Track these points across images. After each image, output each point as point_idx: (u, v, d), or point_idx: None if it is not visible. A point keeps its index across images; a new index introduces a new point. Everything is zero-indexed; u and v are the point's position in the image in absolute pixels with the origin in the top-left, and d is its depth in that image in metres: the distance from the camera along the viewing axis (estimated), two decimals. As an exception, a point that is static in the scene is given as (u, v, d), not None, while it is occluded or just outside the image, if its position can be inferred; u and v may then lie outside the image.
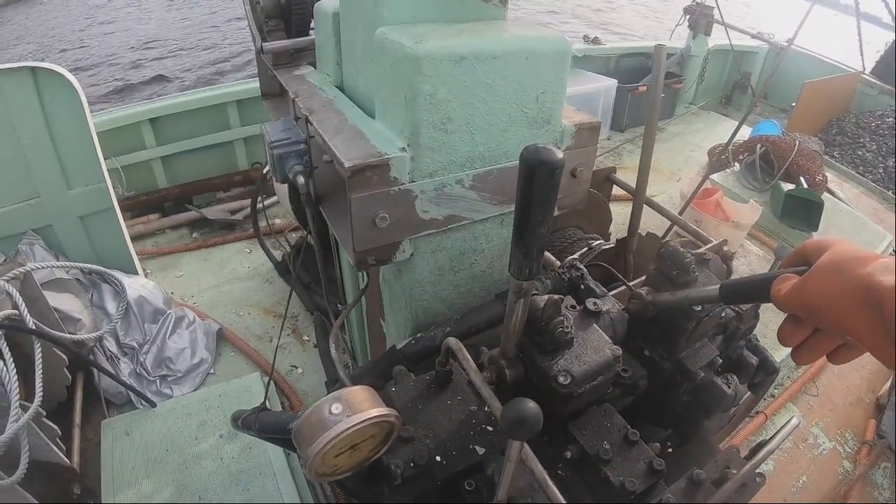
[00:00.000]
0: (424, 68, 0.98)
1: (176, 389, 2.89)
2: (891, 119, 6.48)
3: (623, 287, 1.39)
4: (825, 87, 6.28)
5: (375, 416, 0.73)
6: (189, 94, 4.40)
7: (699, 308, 1.05)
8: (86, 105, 2.90)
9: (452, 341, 0.89)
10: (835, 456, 2.94)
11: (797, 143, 4.59)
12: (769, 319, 3.24)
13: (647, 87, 6.01)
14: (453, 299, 1.34)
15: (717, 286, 0.90)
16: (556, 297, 0.85)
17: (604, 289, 1.37)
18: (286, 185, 1.43)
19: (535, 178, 0.64)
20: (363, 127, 1.18)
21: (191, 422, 2.60)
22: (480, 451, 0.87)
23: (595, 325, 0.97)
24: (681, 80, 6.47)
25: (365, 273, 1.62)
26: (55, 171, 2.97)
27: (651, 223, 3.23)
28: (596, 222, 2.45)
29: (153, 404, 2.70)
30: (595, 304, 0.99)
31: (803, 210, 4.26)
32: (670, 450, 1.24)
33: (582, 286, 1.28)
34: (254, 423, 1.29)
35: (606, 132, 5.96)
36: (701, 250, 1.18)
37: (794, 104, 6.10)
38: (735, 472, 0.97)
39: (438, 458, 0.85)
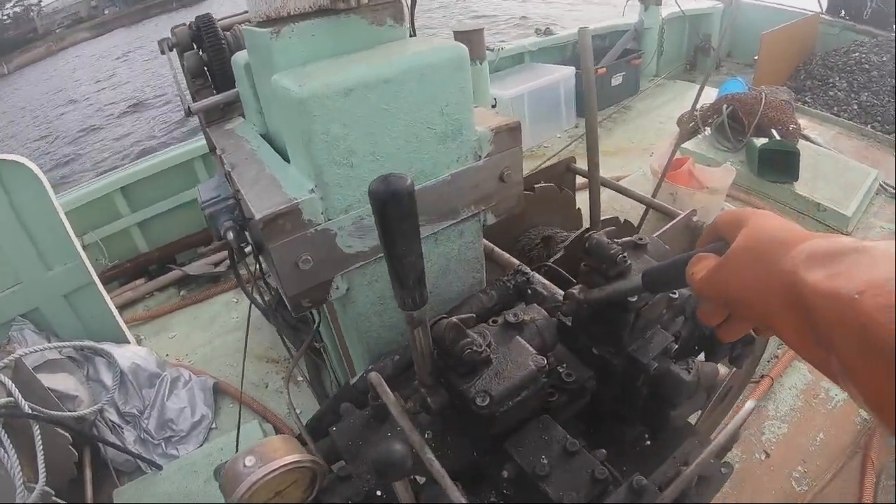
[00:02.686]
0: (311, 108, 0.98)
1: (181, 449, 2.91)
2: (857, 54, 6.44)
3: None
4: (785, 34, 6.25)
5: (285, 465, 0.74)
6: (154, 157, 4.44)
7: (634, 298, 1.03)
8: (49, 188, 2.94)
9: (373, 376, 0.89)
10: (849, 406, 2.87)
11: (763, 95, 4.56)
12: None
13: (605, 69, 6.00)
14: (403, 325, 1.32)
15: (641, 277, 0.88)
16: (455, 319, 0.84)
17: (555, 289, 1.36)
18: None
19: (388, 209, 0.64)
20: (279, 174, 1.18)
21: (198, 479, 2.60)
22: (421, 480, 0.86)
23: (518, 337, 0.95)
24: (640, 55, 6.45)
25: (319, 311, 1.62)
26: (32, 256, 3.01)
27: (626, 204, 3.22)
28: (563, 216, 2.44)
29: (160, 467, 2.71)
30: (515, 315, 0.98)
31: (781, 162, 4.22)
32: (648, 442, 1.22)
33: (529, 290, 1.27)
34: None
35: (574, 120, 5.94)
36: (634, 237, 1.16)
37: (756, 58, 6.07)
38: (684, 469, 0.94)
39: (379, 493, 0.84)
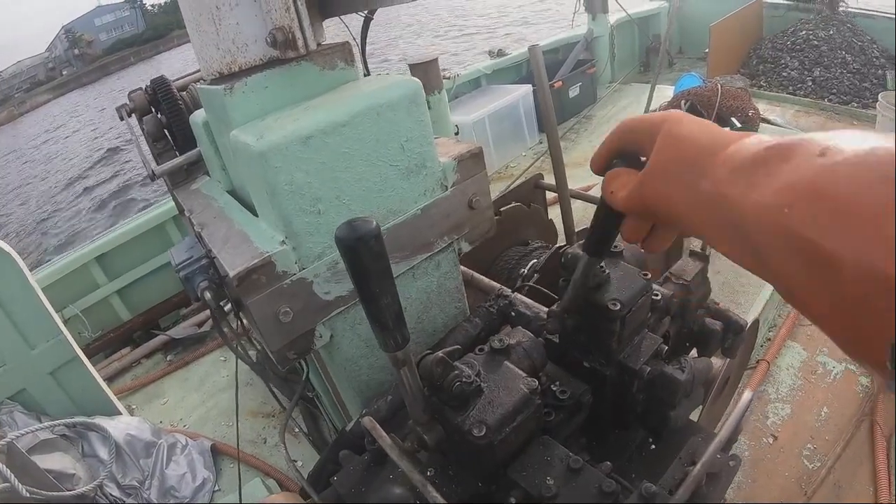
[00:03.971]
0: (272, 160, 0.98)
1: (188, 516, 2.83)
2: (804, 32, 6.62)
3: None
4: (732, 23, 6.40)
5: None
6: (126, 224, 4.40)
7: (617, 307, 1.03)
8: (23, 266, 2.90)
9: (367, 421, 0.88)
10: (849, 376, 2.89)
11: (719, 86, 4.66)
12: (740, 267, 3.24)
13: (561, 82, 6.09)
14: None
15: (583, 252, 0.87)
16: (441, 354, 0.83)
17: (539, 308, 1.36)
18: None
19: (358, 254, 0.63)
20: (249, 229, 1.17)
21: (207, 547, 2.53)
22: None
23: (506, 362, 0.94)
24: (593, 64, 6.56)
25: (305, 362, 1.60)
26: (13, 337, 2.95)
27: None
28: (536, 232, 2.46)
29: (167, 539, 2.64)
30: (501, 340, 0.98)
31: (745, 149, 4.28)
32: (653, 446, 1.22)
33: (512, 313, 1.27)
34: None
35: (537, 136, 6.01)
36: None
37: (706, 50, 6.21)
38: (692, 469, 0.93)
39: (387, 541, 0.82)
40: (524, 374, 0.91)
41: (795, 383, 2.93)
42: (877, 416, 2.62)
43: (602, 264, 1.08)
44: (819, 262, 0.38)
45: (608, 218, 0.75)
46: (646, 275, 1.13)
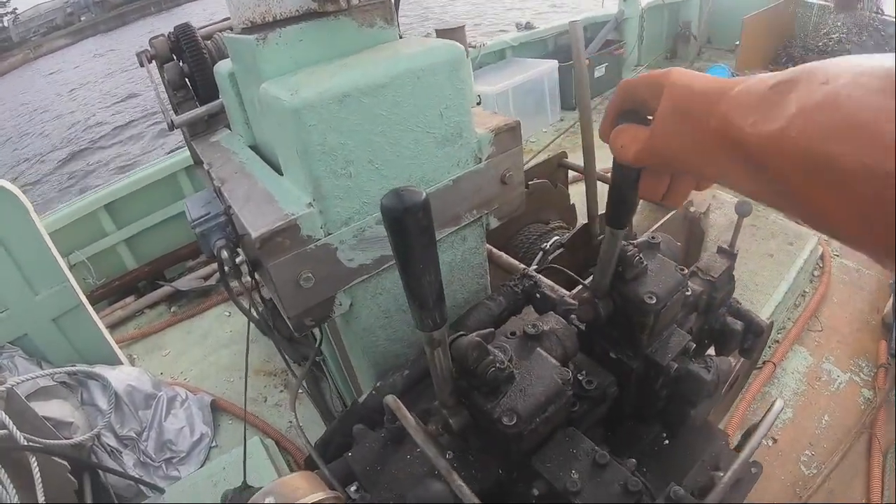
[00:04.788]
0: (306, 118, 0.93)
1: (183, 469, 2.85)
2: (836, 34, 6.48)
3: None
4: (765, 18, 6.27)
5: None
6: (137, 173, 4.36)
7: (653, 301, 0.99)
8: (31, 210, 2.87)
9: (390, 400, 0.84)
10: (852, 387, 2.88)
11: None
12: (754, 266, 3.18)
13: (589, 60, 5.98)
14: (410, 337, 1.29)
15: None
16: (477, 338, 0.79)
17: (563, 291, 1.32)
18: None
19: (404, 226, 0.59)
20: (273, 188, 1.13)
21: (201, 500, 2.54)
22: None
23: (539, 349, 0.90)
24: (621, 46, 6.46)
25: (319, 328, 1.57)
26: (17, 281, 2.94)
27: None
28: (558, 211, 2.41)
29: (161, 491, 2.65)
30: (535, 326, 0.93)
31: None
32: (667, 442, 1.19)
33: (537, 294, 1.23)
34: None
35: (558, 114, 5.92)
36: (647, 236, 1.12)
37: (738, 43, 6.08)
38: (721, 473, 0.90)
39: (401, 523, 0.79)
40: (557, 364, 0.87)
41: (799, 388, 2.91)
42: (876, 430, 2.61)
43: (640, 255, 1.04)
44: (833, 171, 0.41)
45: (624, 182, 0.74)
46: (682, 270, 1.09)
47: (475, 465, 0.88)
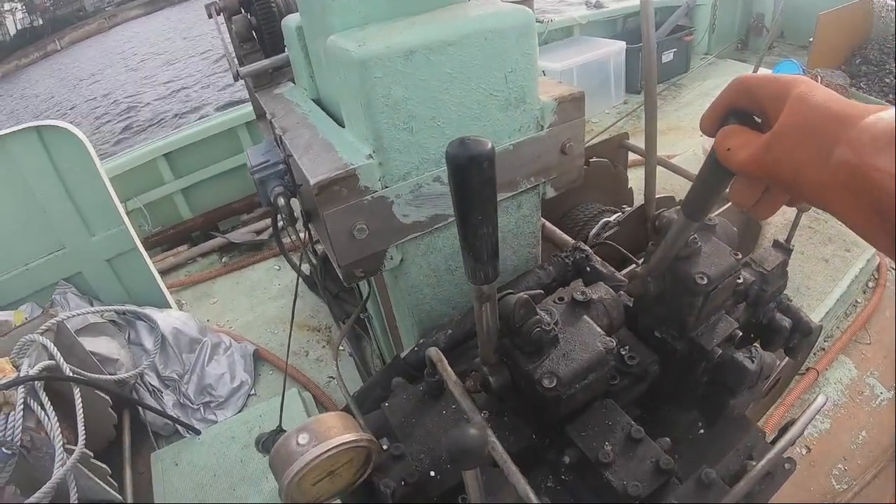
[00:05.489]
0: (373, 70, 0.93)
1: (220, 414, 2.95)
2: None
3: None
4: (841, 16, 5.96)
5: (341, 444, 0.71)
6: (198, 125, 4.46)
7: (704, 281, 0.97)
8: (93, 154, 2.98)
9: (433, 352, 0.86)
10: (893, 406, 2.78)
11: (819, 79, 4.37)
12: (808, 270, 3.07)
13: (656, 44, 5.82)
14: (456, 298, 1.30)
15: (680, 211, 0.81)
16: (526, 295, 0.79)
17: (612, 269, 1.31)
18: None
19: (466, 175, 0.59)
20: (333, 139, 1.14)
21: (235, 445, 2.64)
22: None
23: (585, 316, 0.90)
24: (691, 32, 6.25)
25: (368, 282, 1.59)
26: (76, 221, 3.07)
27: (677, 184, 3.12)
28: (613, 193, 2.37)
29: (198, 432, 2.75)
30: (583, 293, 0.93)
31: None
32: (702, 431, 1.17)
33: (588, 268, 1.22)
34: (270, 447, 1.28)
35: (623, 96, 5.79)
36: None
37: (811, 39, 5.81)
38: (755, 463, 0.88)
39: (433, 474, 0.81)
40: (602, 332, 0.86)
41: (840, 400, 2.83)
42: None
43: (695, 235, 1.02)
44: None
45: (715, 178, 0.71)
46: (737, 255, 1.06)
47: (509, 427, 0.89)
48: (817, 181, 0.53)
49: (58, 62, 26.75)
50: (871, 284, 3.41)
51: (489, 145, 0.60)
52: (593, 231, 1.79)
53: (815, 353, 3.02)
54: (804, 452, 2.60)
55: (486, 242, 0.65)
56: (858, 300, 3.32)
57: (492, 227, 0.64)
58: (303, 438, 0.71)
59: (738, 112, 0.65)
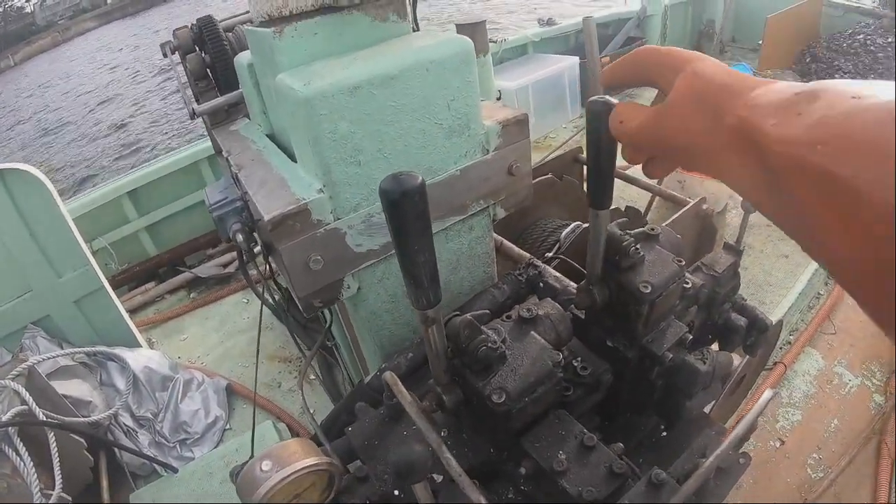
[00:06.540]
0: (318, 108, 0.97)
1: (196, 451, 2.93)
2: (861, 35, 6.38)
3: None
4: (790, 17, 6.18)
5: (303, 468, 0.74)
6: (160, 161, 4.46)
7: (648, 290, 1.01)
8: (56, 195, 2.96)
9: (388, 376, 0.88)
10: (864, 392, 2.86)
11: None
12: (769, 267, 3.15)
13: (609, 57, 5.96)
14: (415, 322, 1.33)
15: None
16: (469, 317, 0.83)
17: (568, 282, 1.35)
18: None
19: (401, 208, 0.63)
20: (286, 174, 1.18)
21: (213, 481, 2.61)
22: (438, 478, 0.86)
23: (532, 332, 0.94)
24: (644, 43, 6.41)
25: (330, 311, 1.62)
26: (41, 264, 3.03)
27: (635, 193, 3.20)
28: (571, 207, 2.43)
29: (175, 470, 2.72)
30: (529, 310, 0.97)
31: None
32: (664, 433, 1.21)
33: (541, 284, 1.26)
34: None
35: (579, 110, 5.91)
36: (646, 227, 1.15)
37: (761, 42, 6.02)
38: (703, 461, 0.92)
39: (397, 493, 0.84)
40: (549, 346, 0.90)
41: (809, 390, 2.90)
42: (886, 436, 2.59)
43: (637, 245, 1.06)
44: (847, 199, 0.37)
45: (601, 154, 0.74)
46: (680, 261, 1.11)
47: (468, 443, 0.92)
48: (710, 148, 0.54)
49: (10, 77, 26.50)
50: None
51: (419, 179, 0.63)
52: (555, 250, 1.83)
53: (781, 347, 3.10)
54: (778, 445, 2.66)
55: (425, 269, 0.68)
56: (821, 292, 3.43)
57: (428, 254, 0.68)
58: (266, 465, 0.73)
59: (636, 78, 0.67)
